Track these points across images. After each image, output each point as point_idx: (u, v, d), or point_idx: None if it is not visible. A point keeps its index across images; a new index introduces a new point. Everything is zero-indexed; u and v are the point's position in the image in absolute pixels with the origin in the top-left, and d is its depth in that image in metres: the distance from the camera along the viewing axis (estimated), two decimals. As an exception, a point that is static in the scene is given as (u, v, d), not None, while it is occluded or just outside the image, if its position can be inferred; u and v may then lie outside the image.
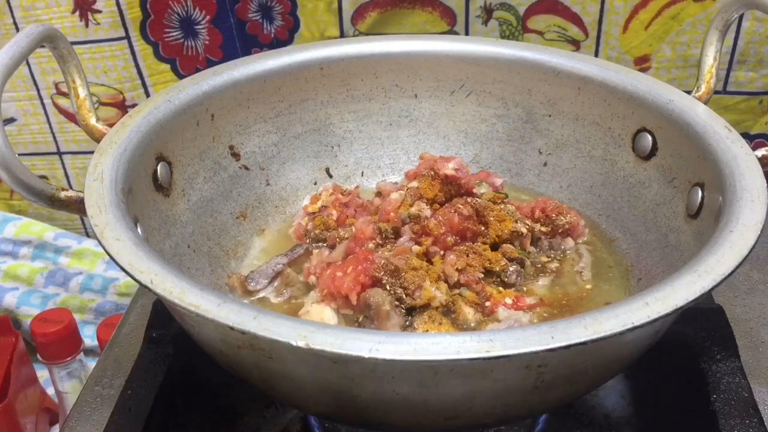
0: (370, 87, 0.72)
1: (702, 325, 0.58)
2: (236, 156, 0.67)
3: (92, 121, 0.59)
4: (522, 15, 0.86)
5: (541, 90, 0.69)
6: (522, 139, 0.71)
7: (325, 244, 0.63)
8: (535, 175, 0.71)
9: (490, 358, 0.38)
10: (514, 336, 0.39)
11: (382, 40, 0.73)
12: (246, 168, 0.68)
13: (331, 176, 0.72)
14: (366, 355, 0.38)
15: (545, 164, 0.70)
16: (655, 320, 0.40)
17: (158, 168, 0.59)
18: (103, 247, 0.46)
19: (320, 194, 0.68)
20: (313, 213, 0.66)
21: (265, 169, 0.69)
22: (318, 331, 0.39)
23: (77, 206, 0.51)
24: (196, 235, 0.62)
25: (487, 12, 0.86)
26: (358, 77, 0.71)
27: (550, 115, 0.70)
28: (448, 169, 0.62)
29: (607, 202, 0.66)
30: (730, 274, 0.44)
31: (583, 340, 0.39)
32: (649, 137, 0.62)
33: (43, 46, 0.55)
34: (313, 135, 0.72)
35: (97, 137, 0.58)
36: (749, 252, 0.45)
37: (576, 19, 0.85)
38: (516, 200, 0.67)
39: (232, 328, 0.40)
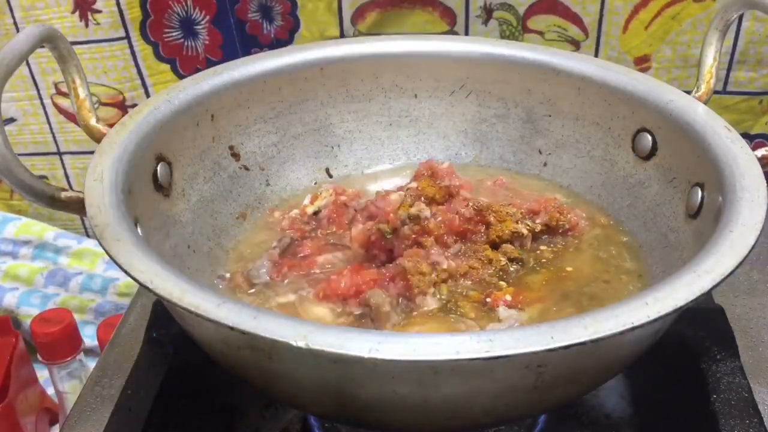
0: (369, 87, 0.72)
1: (702, 325, 0.58)
2: (236, 156, 0.67)
3: (92, 121, 0.59)
4: (522, 15, 0.86)
5: (541, 90, 0.69)
6: (522, 139, 0.71)
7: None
8: (535, 176, 0.71)
9: (489, 358, 0.38)
10: (514, 336, 0.39)
11: (382, 40, 0.73)
12: (246, 168, 0.68)
13: (331, 176, 0.72)
14: (366, 355, 0.38)
15: (545, 164, 0.70)
16: (655, 320, 0.40)
17: (158, 168, 0.59)
18: (103, 248, 0.46)
19: (320, 194, 0.68)
20: (315, 213, 0.66)
21: (265, 169, 0.69)
22: (318, 331, 0.39)
23: (77, 207, 0.51)
24: (196, 235, 0.62)
25: (487, 12, 0.86)
26: (358, 77, 0.71)
27: (550, 115, 0.69)
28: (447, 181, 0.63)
29: (608, 202, 0.66)
30: (729, 274, 0.44)
31: (582, 340, 0.39)
32: (649, 137, 0.62)
33: (43, 46, 0.54)
34: (313, 135, 0.72)
35: (97, 137, 0.58)
36: (749, 252, 0.45)
37: (576, 19, 0.85)
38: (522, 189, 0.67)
39: (232, 329, 0.40)
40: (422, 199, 0.61)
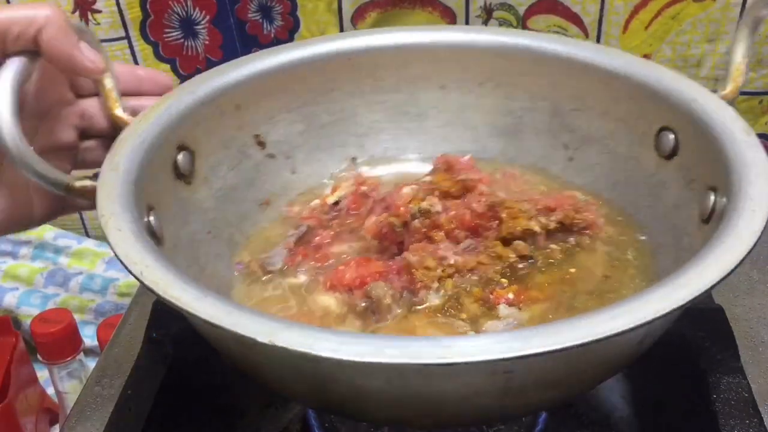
0: (397, 78, 0.71)
1: (702, 325, 0.58)
2: (261, 145, 0.67)
3: (117, 111, 0.60)
4: (522, 15, 0.86)
5: (568, 84, 0.67)
6: (549, 133, 0.69)
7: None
8: (560, 170, 0.69)
9: (444, 365, 0.38)
10: (473, 343, 0.39)
11: (409, 31, 0.72)
12: (271, 156, 0.68)
13: (357, 166, 0.72)
14: (327, 355, 0.39)
15: (571, 159, 0.68)
16: (618, 334, 0.39)
17: (179, 157, 0.59)
18: (106, 237, 0.48)
19: (341, 184, 0.68)
20: (335, 203, 0.67)
21: (290, 157, 0.69)
22: (286, 329, 0.40)
23: (92, 195, 0.52)
24: (217, 221, 0.62)
25: (487, 12, 0.86)
26: (386, 68, 0.70)
27: (577, 110, 0.67)
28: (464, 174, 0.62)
29: (629, 201, 0.64)
30: (701, 294, 0.42)
31: (540, 350, 0.38)
32: (672, 136, 0.60)
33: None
34: (340, 125, 0.71)
35: (121, 127, 0.59)
36: (734, 268, 0.43)
37: (576, 19, 0.85)
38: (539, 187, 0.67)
39: (206, 322, 0.41)
40: (436, 193, 0.61)
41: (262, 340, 0.40)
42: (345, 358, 0.39)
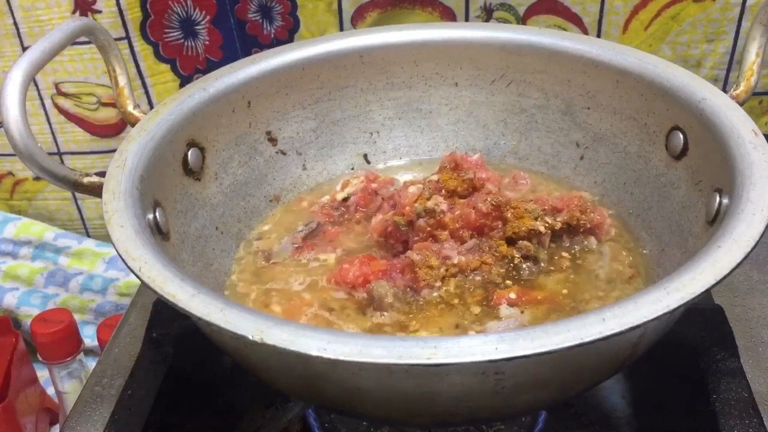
0: (410, 75, 0.71)
1: (702, 325, 0.58)
2: (273, 141, 0.68)
3: (130, 108, 0.61)
4: (522, 15, 0.86)
5: (580, 81, 0.67)
6: (561, 131, 0.70)
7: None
8: (571, 169, 0.69)
9: (430, 365, 0.39)
10: (460, 344, 0.39)
11: (422, 28, 0.73)
12: (283, 153, 0.69)
13: (369, 162, 0.72)
14: (315, 353, 0.39)
15: (582, 158, 0.69)
16: (606, 338, 0.39)
17: (189, 153, 0.60)
18: (109, 233, 0.48)
19: (350, 180, 0.69)
20: (344, 200, 0.67)
21: (302, 154, 0.70)
22: (275, 327, 0.41)
23: (99, 191, 0.53)
24: (226, 217, 0.63)
25: (487, 12, 0.86)
26: (399, 65, 0.71)
27: (588, 108, 0.68)
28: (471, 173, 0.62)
29: (638, 201, 0.64)
30: (696, 297, 0.42)
31: (526, 353, 0.39)
32: (681, 136, 0.60)
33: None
34: (352, 121, 0.72)
35: (133, 124, 0.60)
36: (729, 273, 0.43)
37: (576, 20, 0.85)
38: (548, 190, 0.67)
39: (200, 319, 0.42)
40: (443, 192, 0.61)
41: (253, 338, 0.40)
42: (333, 357, 0.39)
